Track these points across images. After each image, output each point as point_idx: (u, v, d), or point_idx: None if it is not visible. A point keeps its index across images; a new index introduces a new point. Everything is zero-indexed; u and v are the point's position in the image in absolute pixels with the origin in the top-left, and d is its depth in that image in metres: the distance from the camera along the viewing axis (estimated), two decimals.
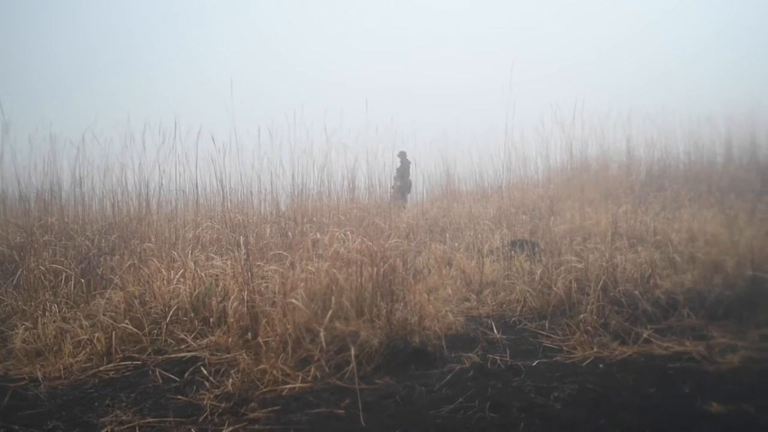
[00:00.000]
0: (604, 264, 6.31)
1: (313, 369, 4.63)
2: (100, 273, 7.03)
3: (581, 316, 5.55)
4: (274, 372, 4.52)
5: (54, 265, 6.98)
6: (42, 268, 6.95)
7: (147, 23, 44.00)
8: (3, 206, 10.43)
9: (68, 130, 10.02)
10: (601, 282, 5.93)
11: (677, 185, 12.92)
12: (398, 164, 15.17)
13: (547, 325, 5.73)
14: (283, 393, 4.33)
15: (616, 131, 14.73)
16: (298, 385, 4.42)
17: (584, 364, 4.74)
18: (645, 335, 5.23)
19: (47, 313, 5.87)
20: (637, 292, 6.00)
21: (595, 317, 5.53)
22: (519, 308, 6.32)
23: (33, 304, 6.24)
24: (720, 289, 6.15)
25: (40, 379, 4.82)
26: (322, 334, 4.86)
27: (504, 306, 6.55)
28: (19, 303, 6.37)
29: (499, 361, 4.81)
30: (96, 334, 5.34)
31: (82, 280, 6.66)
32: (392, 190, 14.39)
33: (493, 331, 5.58)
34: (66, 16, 42.14)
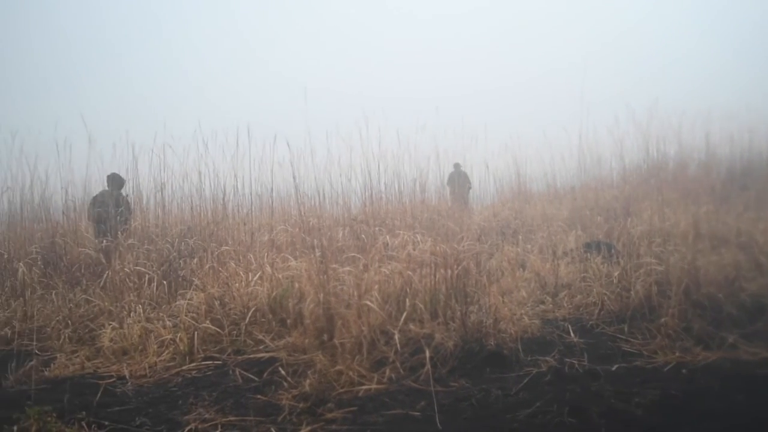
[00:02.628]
0: (686, 266, 6.09)
1: (388, 370, 4.66)
2: (181, 275, 7.27)
3: (662, 319, 5.40)
4: (350, 373, 4.58)
5: (138, 268, 7.27)
6: (126, 270, 7.25)
7: (215, 29, 45.24)
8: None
9: (147, 138, 10.38)
10: (683, 285, 5.74)
11: (761, 184, 12.36)
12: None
13: (626, 329, 5.58)
14: (359, 394, 4.37)
15: (695, 129, 14.18)
16: (373, 386, 4.46)
17: (666, 369, 4.62)
18: (730, 340, 5.04)
19: (132, 314, 6.11)
20: (721, 296, 5.78)
21: (676, 321, 5.36)
22: (596, 311, 6.19)
23: (119, 304, 6.51)
24: None
25: (127, 377, 5.03)
26: (396, 336, 4.89)
27: (581, 309, 6.43)
28: (106, 304, 6.65)
29: (576, 365, 4.73)
30: (179, 334, 5.54)
31: (164, 282, 6.91)
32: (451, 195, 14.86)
33: (570, 335, 5.47)
34: (135, 26, 43.81)
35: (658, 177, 12.99)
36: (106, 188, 9.86)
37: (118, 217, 9.05)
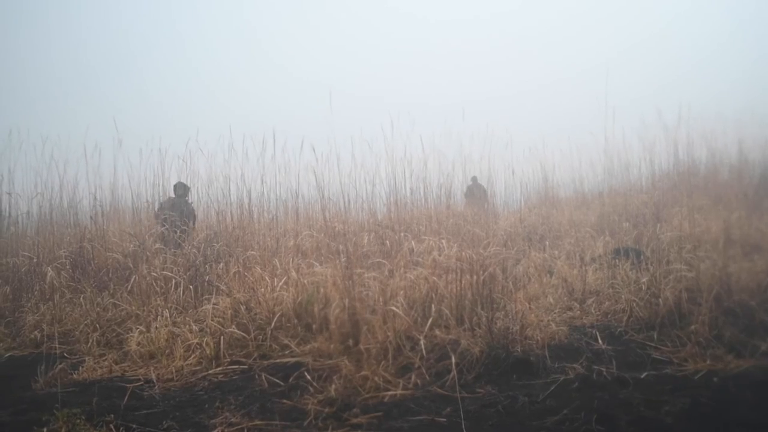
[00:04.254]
0: (717, 273, 5.97)
1: (413, 376, 4.64)
2: (207, 280, 7.31)
3: (692, 327, 5.30)
4: (376, 378, 4.57)
5: (164, 272, 7.32)
6: (153, 274, 7.31)
7: (241, 36, 45.54)
8: (118, 216, 11.04)
9: (173, 143, 10.48)
10: (714, 292, 5.61)
11: None
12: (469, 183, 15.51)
13: (655, 336, 5.48)
14: (385, 399, 4.36)
15: (726, 134, 13.93)
16: (399, 392, 4.44)
17: (697, 377, 4.53)
18: (763, 348, 4.92)
19: (159, 318, 6.16)
20: (753, 303, 5.65)
21: (707, 328, 5.25)
22: (625, 318, 6.09)
23: (146, 309, 6.57)
24: None
25: (154, 381, 5.07)
26: (422, 342, 4.87)
27: (609, 316, 6.34)
28: (133, 308, 6.71)
29: (605, 372, 4.65)
30: (205, 339, 5.57)
31: (191, 287, 6.94)
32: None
33: (598, 342, 5.40)
34: (157, 36, 44.40)
35: (688, 182, 12.78)
36: (172, 195, 10.14)
37: (185, 222, 9.27)
